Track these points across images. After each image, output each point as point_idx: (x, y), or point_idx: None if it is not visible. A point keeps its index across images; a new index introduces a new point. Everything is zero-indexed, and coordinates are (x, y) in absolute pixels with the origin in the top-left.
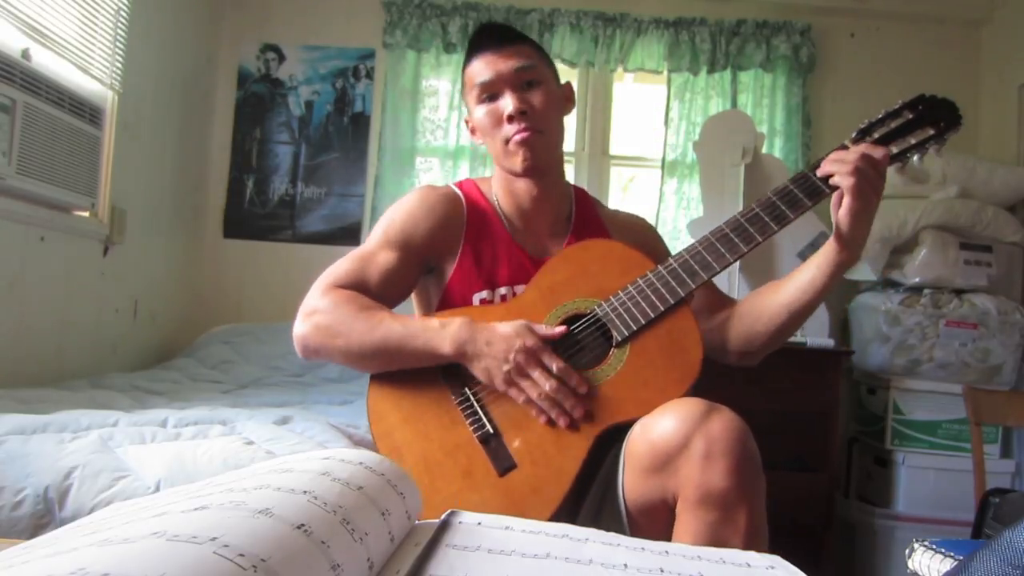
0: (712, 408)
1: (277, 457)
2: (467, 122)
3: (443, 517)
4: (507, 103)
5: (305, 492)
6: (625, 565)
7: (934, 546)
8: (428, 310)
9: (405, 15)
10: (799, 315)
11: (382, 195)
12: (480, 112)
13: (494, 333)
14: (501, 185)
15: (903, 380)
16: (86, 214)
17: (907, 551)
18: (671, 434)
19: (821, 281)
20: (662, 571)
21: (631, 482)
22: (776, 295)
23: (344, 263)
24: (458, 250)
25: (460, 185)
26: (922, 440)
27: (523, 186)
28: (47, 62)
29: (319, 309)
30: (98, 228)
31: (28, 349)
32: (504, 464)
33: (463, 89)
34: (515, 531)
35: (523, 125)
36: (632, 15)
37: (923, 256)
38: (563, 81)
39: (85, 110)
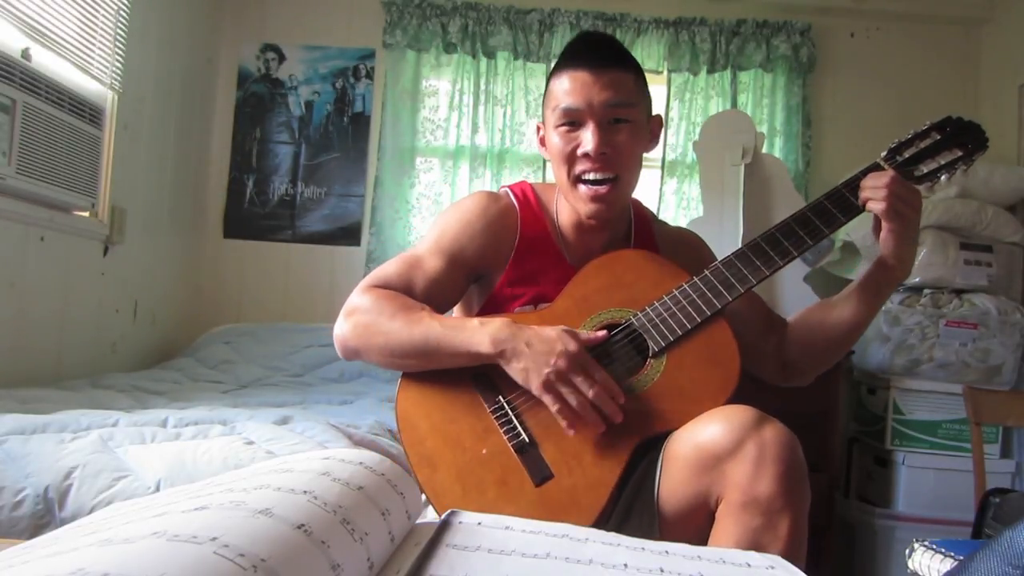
0: (764, 417)
1: (277, 457)
2: (539, 128)
3: (443, 517)
4: (587, 140)
5: (305, 492)
6: (625, 565)
7: (934, 546)
8: (469, 315)
9: (405, 15)
10: (854, 334)
11: (382, 195)
12: (555, 136)
13: (536, 335)
14: (564, 202)
15: (903, 380)
16: (86, 214)
17: (907, 551)
18: (721, 437)
19: (876, 300)
20: (662, 571)
21: (670, 484)
22: (831, 315)
23: (392, 265)
24: (506, 263)
25: (517, 193)
26: (922, 440)
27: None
28: (47, 62)
29: (359, 308)
30: (98, 228)
31: (28, 349)
32: (541, 474)
33: (545, 96)
34: (515, 531)
35: (599, 165)
36: (632, 15)
37: (923, 256)
38: (654, 112)
39: (85, 110)
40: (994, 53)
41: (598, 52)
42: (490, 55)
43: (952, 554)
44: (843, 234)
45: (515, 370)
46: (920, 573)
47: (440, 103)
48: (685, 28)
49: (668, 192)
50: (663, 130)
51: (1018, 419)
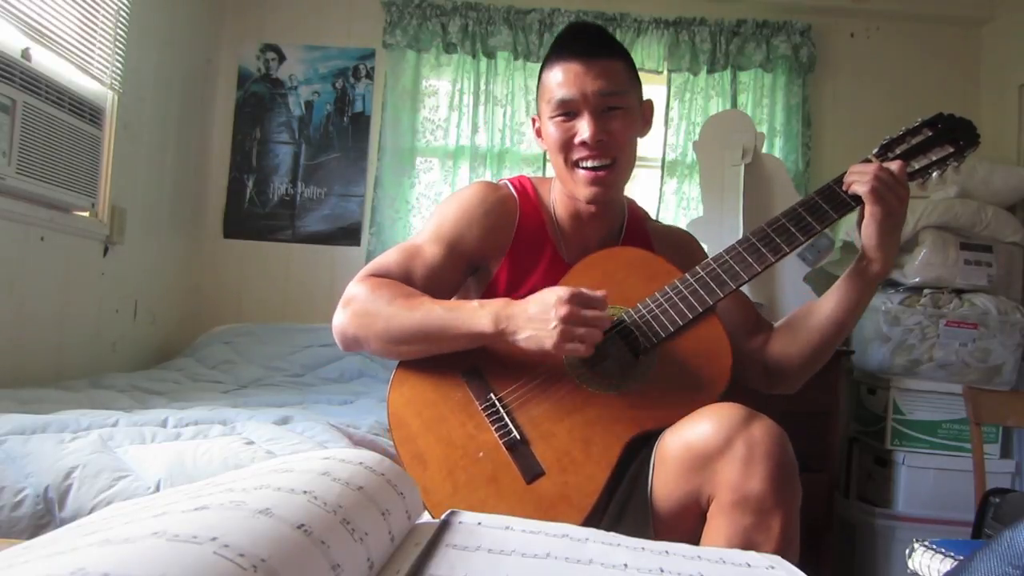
0: (753, 414)
1: (277, 457)
2: (534, 121)
3: (443, 517)
4: (584, 128)
5: (305, 492)
6: (625, 565)
7: (934, 546)
8: None
9: (405, 15)
10: (835, 335)
11: (382, 195)
12: (551, 126)
13: (531, 302)
14: (560, 194)
15: (903, 380)
16: (86, 214)
17: (907, 551)
18: (711, 436)
19: (855, 298)
20: (662, 571)
21: (662, 483)
22: (811, 316)
23: (392, 254)
24: (504, 253)
25: (516, 185)
26: (922, 440)
27: (584, 204)
28: (47, 62)
29: (356, 296)
30: (98, 228)
31: (28, 349)
32: (532, 471)
33: (539, 88)
34: (515, 531)
35: (596, 152)
36: (632, 15)
37: (923, 256)
38: (645, 98)
39: (85, 110)
40: (994, 53)
41: (588, 42)
42: (490, 55)
43: (952, 554)
44: (843, 234)
45: (523, 340)
46: (920, 573)
47: (440, 103)
48: (685, 28)
49: (668, 192)
50: (666, 131)
51: (1018, 419)
